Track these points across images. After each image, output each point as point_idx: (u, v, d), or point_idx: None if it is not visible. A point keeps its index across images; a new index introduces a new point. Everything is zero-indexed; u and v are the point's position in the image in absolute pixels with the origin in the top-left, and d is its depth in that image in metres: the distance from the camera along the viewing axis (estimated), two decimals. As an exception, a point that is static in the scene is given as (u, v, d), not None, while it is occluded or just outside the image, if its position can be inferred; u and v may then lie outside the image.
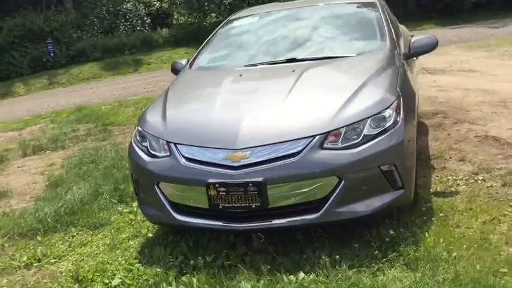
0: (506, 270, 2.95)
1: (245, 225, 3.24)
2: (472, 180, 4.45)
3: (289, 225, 3.26)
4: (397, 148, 3.32)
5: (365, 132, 3.28)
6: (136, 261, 3.60)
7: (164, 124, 3.65)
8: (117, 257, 3.76)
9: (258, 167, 3.19)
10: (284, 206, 3.25)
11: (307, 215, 3.22)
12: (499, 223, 3.58)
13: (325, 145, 3.21)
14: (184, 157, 3.40)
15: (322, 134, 3.24)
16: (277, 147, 3.22)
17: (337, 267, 3.09)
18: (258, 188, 3.13)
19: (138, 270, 3.46)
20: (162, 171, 3.45)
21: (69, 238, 4.27)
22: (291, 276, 3.07)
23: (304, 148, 3.19)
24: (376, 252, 3.21)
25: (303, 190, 3.20)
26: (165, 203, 3.47)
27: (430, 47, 4.41)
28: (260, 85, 4.04)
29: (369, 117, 3.32)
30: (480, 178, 4.47)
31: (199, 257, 3.35)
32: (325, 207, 3.20)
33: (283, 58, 4.27)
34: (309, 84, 3.74)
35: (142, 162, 3.57)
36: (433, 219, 3.64)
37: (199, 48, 4.94)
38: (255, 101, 3.67)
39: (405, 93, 3.65)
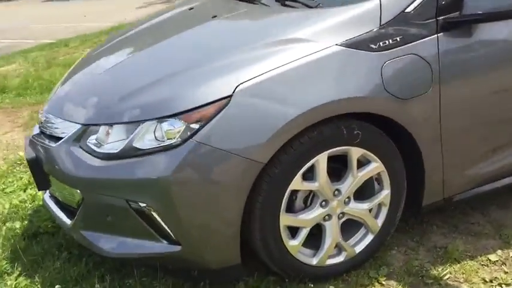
0: None
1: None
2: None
3: (57, 221, 2.59)
4: (155, 184, 2.04)
5: (132, 141, 2.10)
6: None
7: None
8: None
9: (42, 140, 2.54)
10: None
11: (67, 218, 2.46)
12: None
13: (87, 141, 2.26)
14: None
15: (82, 124, 2.28)
16: (62, 125, 2.45)
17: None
18: (29, 164, 2.57)
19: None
20: None
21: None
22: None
23: (67, 136, 2.35)
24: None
25: (63, 186, 2.44)
26: None
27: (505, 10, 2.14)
28: (149, 35, 2.97)
29: (137, 122, 2.11)
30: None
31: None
32: (73, 221, 2.38)
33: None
34: (175, 45, 2.62)
35: None
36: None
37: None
38: (106, 58, 2.81)
39: (270, 97, 2.06)
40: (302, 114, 2.03)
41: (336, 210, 2.27)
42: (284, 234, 2.20)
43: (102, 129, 2.18)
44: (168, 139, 2.03)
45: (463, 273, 2.41)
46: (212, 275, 2.24)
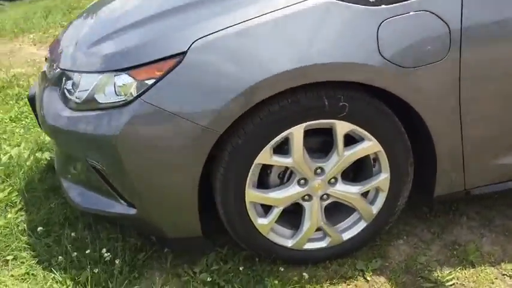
0: None
1: None
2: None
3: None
4: (104, 142, 1.89)
5: (93, 93, 1.96)
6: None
7: None
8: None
9: (41, 79, 2.50)
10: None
11: (59, 162, 2.43)
12: None
13: (65, 86, 2.15)
14: None
15: (60, 69, 2.18)
16: (50, 66, 2.38)
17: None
18: (29, 102, 2.57)
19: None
20: None
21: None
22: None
23: (49, 78, 2.29)
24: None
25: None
26: None
27: None
28: None
29: (97, 72, 1.95)
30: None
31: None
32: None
33: None
34: None
35: None
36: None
37: None
38: (101, 4, 2.58)
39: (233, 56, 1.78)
40: (267, 80, 1.72)
41: (318, 191, 1.97)
42: (252, 211, 1.96)
43: (76, 76, 2.04)
44: (122, 95, 1.84)
45: (473, 281, 2.01)
46: (170, 244, 2.08)
